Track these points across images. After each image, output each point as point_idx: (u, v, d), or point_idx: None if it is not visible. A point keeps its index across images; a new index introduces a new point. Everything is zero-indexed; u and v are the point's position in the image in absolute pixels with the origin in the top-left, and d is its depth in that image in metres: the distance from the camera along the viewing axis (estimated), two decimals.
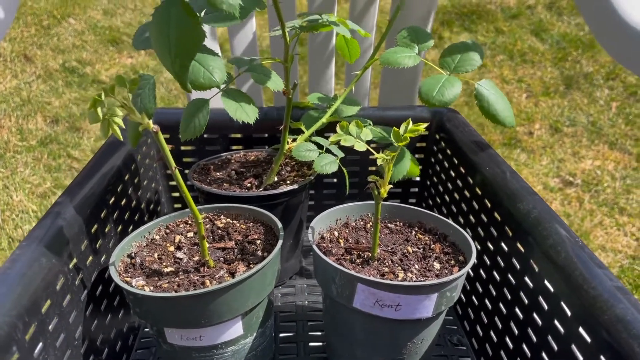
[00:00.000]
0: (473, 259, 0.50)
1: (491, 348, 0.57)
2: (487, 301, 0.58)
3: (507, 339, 0.53)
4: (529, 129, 2.12)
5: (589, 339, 0.40)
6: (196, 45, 0.38)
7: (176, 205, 0.83)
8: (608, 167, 1.93)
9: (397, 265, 0.53)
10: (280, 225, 0.55)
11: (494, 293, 0.57)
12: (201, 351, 0.50)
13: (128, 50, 2.58)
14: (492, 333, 0.57)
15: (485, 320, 0.58)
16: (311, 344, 0.61)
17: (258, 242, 0.56)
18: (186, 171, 0.80)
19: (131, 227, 0.66)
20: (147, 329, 0.65)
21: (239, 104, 0.55)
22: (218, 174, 0.71)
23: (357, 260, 0.54)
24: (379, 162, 0.48)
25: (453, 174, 0.71)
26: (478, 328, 0.60)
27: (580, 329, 0.41)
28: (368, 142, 0.54)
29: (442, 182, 0.75)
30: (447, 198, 0.73)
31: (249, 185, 0.68)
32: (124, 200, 0.64)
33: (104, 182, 0.59)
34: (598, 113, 2.18)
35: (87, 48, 2.55)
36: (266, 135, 0.80)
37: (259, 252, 0.54)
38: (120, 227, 0.62)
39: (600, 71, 2.40)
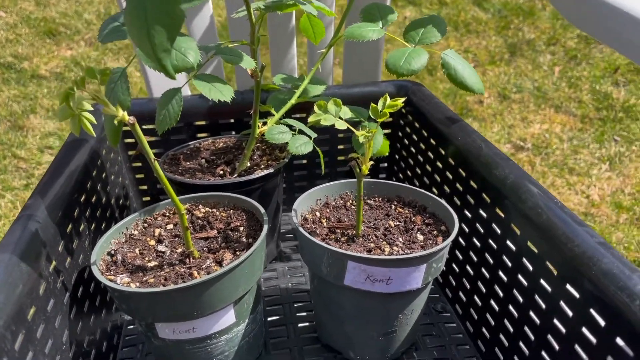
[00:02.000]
0: (456, 227, 0.51)
1: (476, 312, 0.58)
2: (468, 267, 0.60)
3: (492, 302, 0.55)
4: (478, 97, 2.17)
5: (577, 295, 0.42)
6: (177, 25, 0.36)
7: (145, 199, 0.81)
8: (555, 129, 2.00)
9: (381, 240, 0.54)
10: (263, 210, 0.55)
11: (475, 259, 0.58)
12: (194, 343, 0.50)
13: (66, 42, 2.47)
14: (475, 297, 0.58)
15: (468, 286, 0.60)
16: (300, 324, 0.62)
17: (241, 228, 0.55)
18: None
19: (104, 224, 0.64)
20: (131, 326, 0.63)
21: (212, 85, 0.54)
22: (188, 163, 0.69)
23: (342, 239, 0.54)
24: (360, 139, 0.49)
25: (423, 147, 0.72)
26: (461, 294, 0.62)
27: (568, 286, 0.43)
28: None
29: (411, 155, 0.76)
30: (418, 171, 0.74)
31: (221, 172, 0.67)
32: (94, 197, 0.62)
33: (72, 181, 0.57)
34: (542, 78, 2.25)
35: (22, 42, 2.42)
36: (232, 120, 0.79)
37: (244, 239, 0.53)
38: (93, 225, 0.60)
39: (541, 37, 2.47)
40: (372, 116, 0.50)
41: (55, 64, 2.32)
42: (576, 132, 1.98)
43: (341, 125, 0.50)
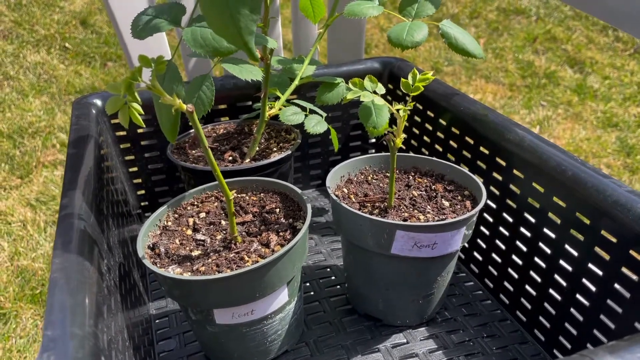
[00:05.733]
0: (484, 190, 0.55)
1: (496, 269, 0.63)
2: (483, 228, 0.64)
3: (515, 257, 0.59)
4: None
5: (614, 240, 0.47)
6: (259, 7, 0.36)
7: (139, 192, 0.78)
8: (488, 99, 2.12)
9: (411, 209, 0.56)
10: (298, 190, 0.56)
11: (492, 220, 0.62)
12: (252, 325, 0.51)
13: None
14: (494, 255, 0.63)
15: (484, 246, 0.64)
16: (332, 299, 0.63)
17: (277, 210, 0.56)
18: (146, 154, 0.77)
19: (120, 220, 0.62)
20: (158, 320, 0.62)
21: (241, 67, 0.54)
22: (194, 151, 0.68)
23: (375, 212, 0.56)
24: (400, 112, 0.51)
25: (419, 119, 0.75)
26: (476, 254, 0.66)
27: (603, 232, 0.48)
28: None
29: (405, 129, 0.79)
30: (414, 143, 0.77)
31: (230, 158, 0.67)
32: (110, 193, 0.60)
33: (92, 176, 0.55)
34: None
35: None
36: (225, 106, 0.78)
37: (283, 220, 0.54)
38: (115, 221, 0.58)
39: (464, 11, 2.59)
40: (404, 91, 0.52)
41: None
42: (506, 100, 2.11)
43: (379, 101, 0.51)
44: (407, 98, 0.78)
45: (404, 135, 0.54)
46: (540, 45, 2.38)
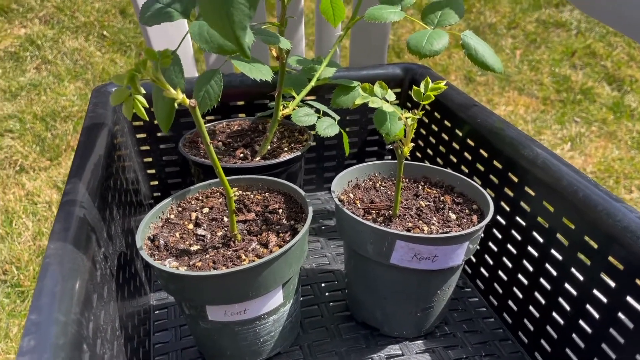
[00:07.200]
0: (492, 205, 0.53)
1: (501, 286, 0.61)
2: (491, 244, 0.62)
3: (520, 276, 0.57)
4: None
5: (621, 267, 0.45)
6: (254, 2, 0.35)
7: (152, 183, 0.79)
8: (519, 111, 2.08)
9: (416, 219, 0.55)
10: (303, 192, 0.55)
11: (500, 236, 0.61)
12: (244, 324, 0.50)
13: (19, 20, 2.35)
14: (500, 273, 0.61)
15: (491, 262, 0.63)
16: (331, 303, 0.63)
17: (280, 211, 0.55)
18: (161, 146, 0.77)
19: (127, 209, 0.62)
20: (158, 311, 0.63)
21: (252, 65, 0.54)
22: None
23: (379, 219, 0.55)
24: (408, 121, 0.50)
25: (436, 129, 0.74)
26: (482, 270, 0.65)
27: (610, 259, 0.46)
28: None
29: (421, 137, 0.78)
30: (430, 152, 0.76)
31: (241, 155, 0.66)
32: (118, 182, 0.61)
33: (100, 164, 0.56)
34: (505, 61, 2.32)
35: None
36: (243, 102, 0.78)
37: (285, 221, 0.54)
38: (121, 210, 0.59)
39: (502, 21, 2.54)
40: (415, 99, 0.51)
41: (9, 42, 2.21)
42: (539, 114, 2.06)
43: (388, 108, 0.50)
44: (426, 106, 0.77)
45: (412, 145, 0.53)
46: (578, 59, 2.32)
